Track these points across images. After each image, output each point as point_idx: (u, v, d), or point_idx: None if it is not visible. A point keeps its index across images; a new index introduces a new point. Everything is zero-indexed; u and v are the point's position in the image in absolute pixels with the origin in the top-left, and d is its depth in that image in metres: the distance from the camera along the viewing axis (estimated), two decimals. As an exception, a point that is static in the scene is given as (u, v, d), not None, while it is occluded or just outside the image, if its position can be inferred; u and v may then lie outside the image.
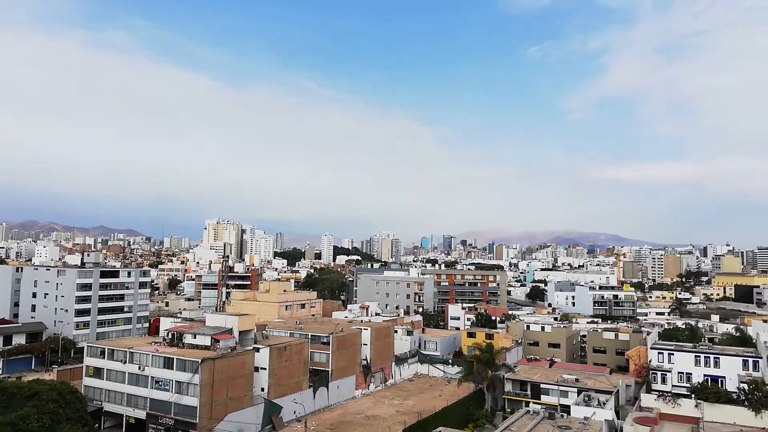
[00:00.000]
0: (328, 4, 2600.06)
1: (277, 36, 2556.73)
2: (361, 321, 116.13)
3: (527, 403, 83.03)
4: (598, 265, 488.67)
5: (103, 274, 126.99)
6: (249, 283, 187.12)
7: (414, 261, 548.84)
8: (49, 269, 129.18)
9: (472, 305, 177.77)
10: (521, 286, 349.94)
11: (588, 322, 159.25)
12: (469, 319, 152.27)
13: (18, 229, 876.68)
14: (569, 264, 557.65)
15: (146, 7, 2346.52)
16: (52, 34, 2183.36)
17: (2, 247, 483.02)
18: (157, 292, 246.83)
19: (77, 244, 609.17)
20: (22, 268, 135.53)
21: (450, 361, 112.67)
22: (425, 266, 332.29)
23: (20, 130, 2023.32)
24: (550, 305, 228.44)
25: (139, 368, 73.15)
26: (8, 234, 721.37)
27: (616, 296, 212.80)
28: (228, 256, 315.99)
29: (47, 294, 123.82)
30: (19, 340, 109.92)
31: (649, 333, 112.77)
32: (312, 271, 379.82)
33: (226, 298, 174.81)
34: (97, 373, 77.24)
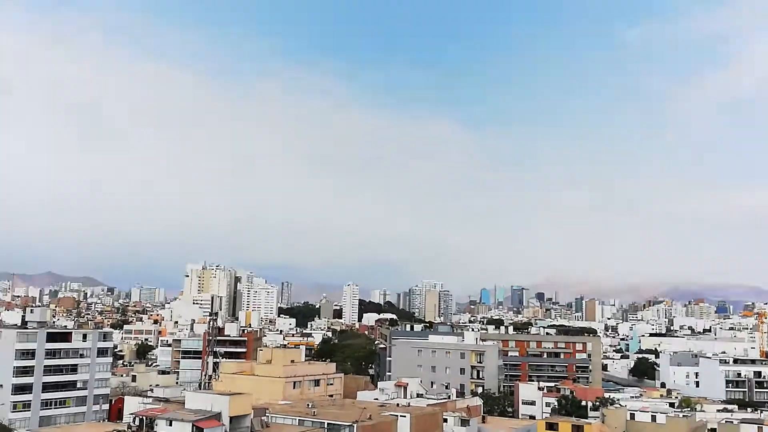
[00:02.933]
0: None
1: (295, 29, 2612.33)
2: (398, 405, 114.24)
3: None
4: (731, 329, 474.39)
5: (51, 337, 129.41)
6: (245, 350, 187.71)
7: (470, 321, 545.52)
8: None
9: (552, 384, 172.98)
10: (622, 357, 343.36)
11: (719, 410, 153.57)
12: (548, 404, 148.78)
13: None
14: (690, 327, 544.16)
15: None
16: None
17: None
18: (121, 361, 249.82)
19: (18, 297, 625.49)
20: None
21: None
22: (486, 329, 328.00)
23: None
24: (663, 385, 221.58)
25: (95, 466, 73.70)
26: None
27: (758, 373, 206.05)
28: (217, 314, 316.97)
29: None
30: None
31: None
32: (330, 334, 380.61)
33: (214, 371, 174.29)
34: (40, 471, 78.12)
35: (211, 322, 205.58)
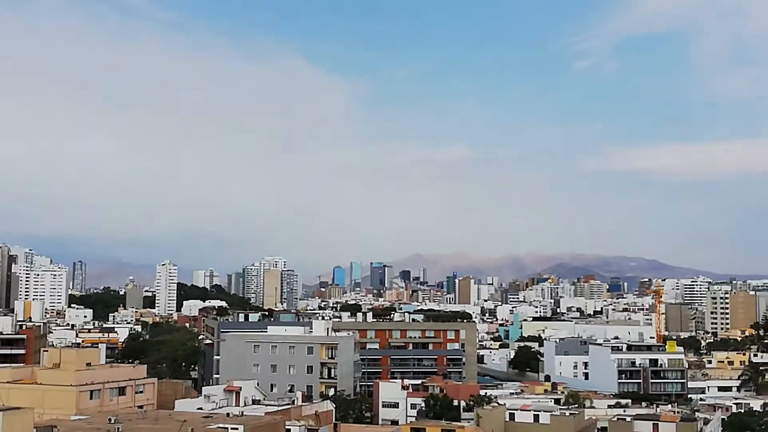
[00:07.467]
0: None
1: None
2: (228, 415, 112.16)
3: None
4: (625, 309, 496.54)
5: None
6: (23, 351, 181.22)
7: (321, 308, 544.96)
8: None
9: (419, 381, 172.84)
10: (501, 347, 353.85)
11: (611, 406, 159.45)
12: (414, 406, 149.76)
13: None
14: (579, 309, 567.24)
15: None
16: None
17: None
18: None
19: None
20: None
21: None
22: (339, 317, 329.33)
23: None
24: (548, 378, 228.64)
25: None
26: None
27: (655, 362, 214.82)
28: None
29: None
30: None
31: (707, 421, 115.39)
32: (138, 328, 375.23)
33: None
34: None
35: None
